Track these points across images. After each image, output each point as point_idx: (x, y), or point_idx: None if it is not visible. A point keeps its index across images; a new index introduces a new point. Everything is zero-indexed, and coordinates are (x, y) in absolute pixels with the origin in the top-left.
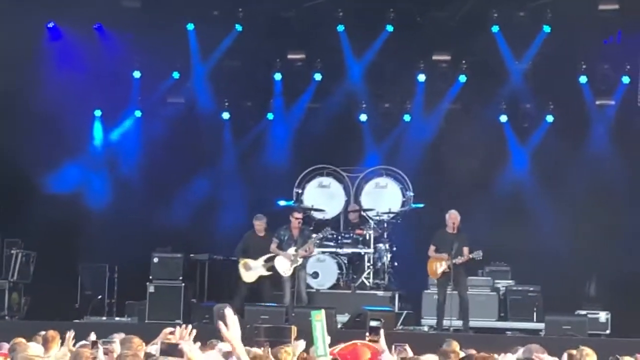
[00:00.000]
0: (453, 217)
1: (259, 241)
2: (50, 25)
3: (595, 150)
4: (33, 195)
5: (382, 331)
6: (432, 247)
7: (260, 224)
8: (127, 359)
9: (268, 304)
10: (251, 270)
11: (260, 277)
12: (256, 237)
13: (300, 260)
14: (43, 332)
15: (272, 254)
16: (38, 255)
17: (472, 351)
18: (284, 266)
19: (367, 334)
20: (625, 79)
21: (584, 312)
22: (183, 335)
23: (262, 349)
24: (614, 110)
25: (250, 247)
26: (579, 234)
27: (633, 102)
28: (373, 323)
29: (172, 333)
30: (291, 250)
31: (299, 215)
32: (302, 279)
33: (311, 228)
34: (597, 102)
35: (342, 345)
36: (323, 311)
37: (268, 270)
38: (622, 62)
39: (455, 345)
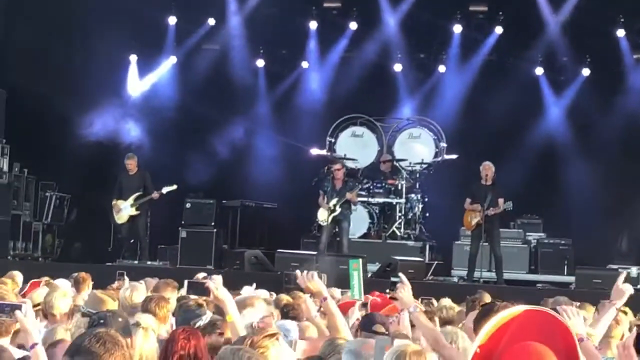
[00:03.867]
0: (487, 169)
1: (130, 179)
2: None
3: (631, 105)
4: (68, 139)
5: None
6: (468, 200)
7: (131, 163)
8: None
9: (298, 251)
10: (121, 211)
11: (132, 217)
12: (127, 175)
13: (338, 210)
14: (75, 274)
15: (140, 193)
16: (72, 199)
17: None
18: (322, 216)
19: (388, 290)
20: None
21: (615, 267)
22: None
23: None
24: None
25: (123, 186)
26: (612, 188)
27: None
28: (393, 279)
29: (204, 278)
30: (332, 202)
31: (338, 167)
32: (345, 231)
33: (352, 179)
34: (635, 56)
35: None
36: (360, 260)
37: (137, 209)
38: None
39: (487, 297)
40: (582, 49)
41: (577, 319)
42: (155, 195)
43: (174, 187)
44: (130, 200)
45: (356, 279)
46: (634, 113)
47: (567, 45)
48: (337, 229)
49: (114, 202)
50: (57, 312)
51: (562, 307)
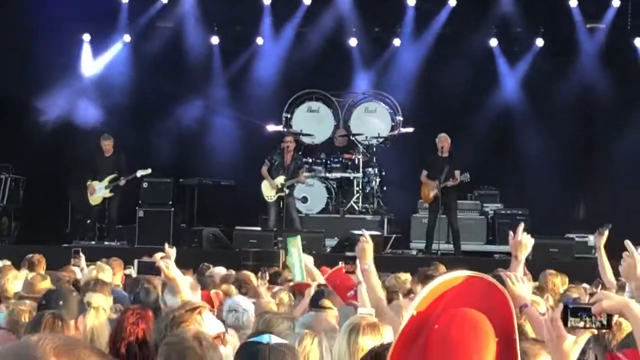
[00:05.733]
0: (443, 140)
1: (105, 161)
2: None
3: (585, 74)
4: (22, 120)
5: (358, 262)
6: (424, 172)
7: (107, 144)
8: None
9: (256, 228)
10: (95, 192)
11: (104, 199)
12: (103, 157)
13: (287, 191)
14: (29, 256)
15: (115, 175)
16: (28, 180)
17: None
18: (269, 191)
19: (343, 264)
20: (616, 2)
21: (572, 236)
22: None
23: (260, 274)
24: (604, 34)
25: (98, 168)
26: (568, 157)
27: (623, 25)
28: (349, 253)
29: (162, 258)
30: (279, 179)
31: (290, 139)
32: (292, 205)
33: (300, 153)
34: (588, 26)
35: (330, 271)
36: (299, 237)
37: (111, 191)
38: None
39: (442, 269)
40: (536, 19)
41: (521, 285)
42: (121, 182)
43: (149, 170)
44: (105, 182)
45: (296, 257)
46: (587, 82)
47: (520, 16)
48: (282, 205)
49: (88, 183)
50: (10, 295)
51: (505, 274)
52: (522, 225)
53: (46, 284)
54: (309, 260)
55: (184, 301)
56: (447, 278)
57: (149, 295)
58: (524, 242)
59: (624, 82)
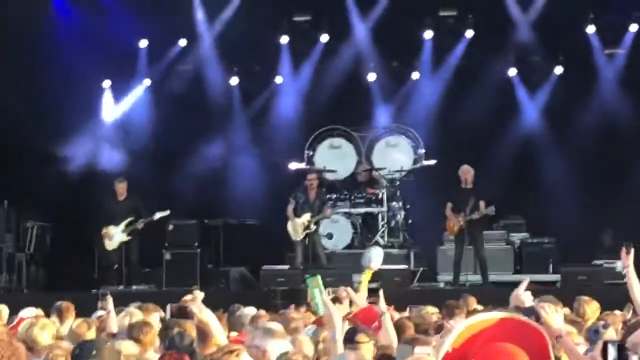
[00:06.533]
0: (466, 172)
1: (120, 205)
2: None
3: (605, 100)
4: (46, 168)
5: (381, 292)
6: (449, 205)
7: (121, 187)
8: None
9: (283, 267)
10: (113, 237)
11: (122, 243)
12: (116, 200)
13: (314, 227)
14: (57, 304)
15: (132, 219)
16: (54, 228)
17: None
18: (295, 231)
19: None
20: (633, 27)
21: (599, 262)
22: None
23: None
24: (623, 59)
25: (112, 212)
26: (592, 184)
27: None
28: (372, 286)
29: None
30: (305, 217)
31: (313, 177)
32: (318, 242)
33: (324, 189)
34: (606, 52)
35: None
36: (319, 276)
37: (129, 235)
38: (629, 10)
39: (472, 300)
40: (554, 47)
41: (554, 315)
42: (140, 225)
43: (167, 212)
44: (122, 226)
45: (318, 296)
46: (608, 107)
47: (538, 44)
48: (307, 242)
49: (104, 230)
50: (39, 345)
51: (539, 305)
52: (526, 282)
53: (92, 334)
54: (362, 296)
55: (221, 345)
56: (482, 318)
57: (183, 339)
58: (524, 299)
59: None
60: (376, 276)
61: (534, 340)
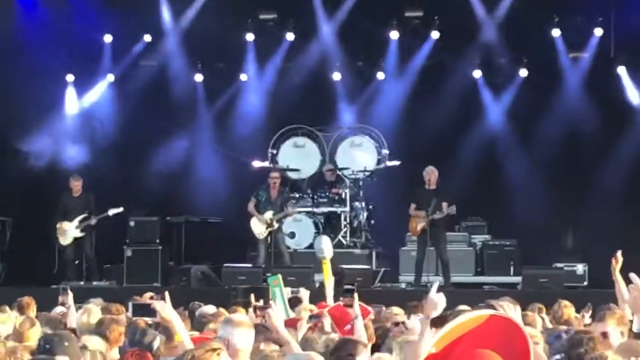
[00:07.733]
0: (430, 173)
1: (74, 201)
2: None
3: (569, 103)
4: (6, 162)
5: (356, 295)
6: (413, 205)
7: (76, 184)
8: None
9: (245, 265)
10: (66, 233)
11: (76, 238)
12: (71, 197)
13: (276, 225)
14: (19, 299)
15: (86, 215)
16: (14, 222)
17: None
18: (258, 228)
19: (341, 297)
20: (598, 31)
21: (561, 265)
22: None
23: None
24: (587, 63)
25: (67, 208)
26: (554, 186)
27: (606, 54)
28: (347, 287)
29: (152, 298)
30: (268, 214)
31: (276, 175)
32: (281, 240)
33: (287, 188)
34: (571, 55)
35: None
36: (279, 276)
37: (82, 230)
38: (594, 14)
39: None
40: (519, 49)
41: (513, 313)
42: (92, 221)
43: (121, 209)
44: (76, 222)
45: (278, 296)
46: (572, 111)
47: (503, 46)
48: (270, 240)
49: (58, 225)
50: None
51: (497, 303)
52: (436, 284)
53: (36, 331)
54: (305, 294)
55: (203, 343)
56: (472, 316)
57: (145, 337)
58: (435, 300)
59: (608, 110)
60: (351, 278)
61: (518, 343)
